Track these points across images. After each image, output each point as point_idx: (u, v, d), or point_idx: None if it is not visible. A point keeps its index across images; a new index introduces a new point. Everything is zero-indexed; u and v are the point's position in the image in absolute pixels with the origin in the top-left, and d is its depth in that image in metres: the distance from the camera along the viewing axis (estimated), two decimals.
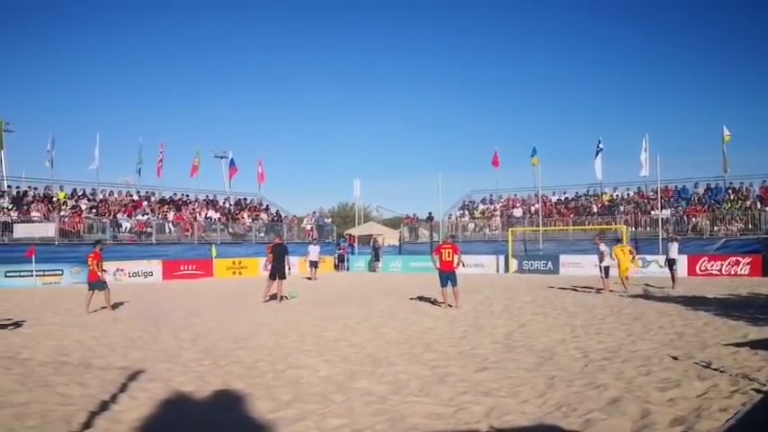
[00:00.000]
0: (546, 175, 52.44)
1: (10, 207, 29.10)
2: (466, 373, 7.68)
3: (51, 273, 25.83)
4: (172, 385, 7.26)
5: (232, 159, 40.61)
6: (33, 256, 24.41)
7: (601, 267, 19.11)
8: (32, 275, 24.83)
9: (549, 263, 31.01)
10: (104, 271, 16.82)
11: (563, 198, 38.69)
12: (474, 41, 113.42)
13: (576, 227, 33.89)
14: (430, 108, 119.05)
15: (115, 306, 16.22)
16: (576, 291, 19.90)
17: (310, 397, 6.62)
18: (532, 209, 37.48)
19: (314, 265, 29.61)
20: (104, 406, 6.32)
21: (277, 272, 17.78)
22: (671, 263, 20.88)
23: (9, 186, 31.85)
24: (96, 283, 15.91)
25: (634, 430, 5.31)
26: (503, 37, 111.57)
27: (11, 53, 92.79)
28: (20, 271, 24.84)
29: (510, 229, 33.89)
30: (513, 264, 32.08)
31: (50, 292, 22.11)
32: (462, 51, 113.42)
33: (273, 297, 17.55)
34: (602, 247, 19.19)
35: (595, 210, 35.45)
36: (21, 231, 27.59)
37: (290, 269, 18.55)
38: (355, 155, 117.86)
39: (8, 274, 24.58)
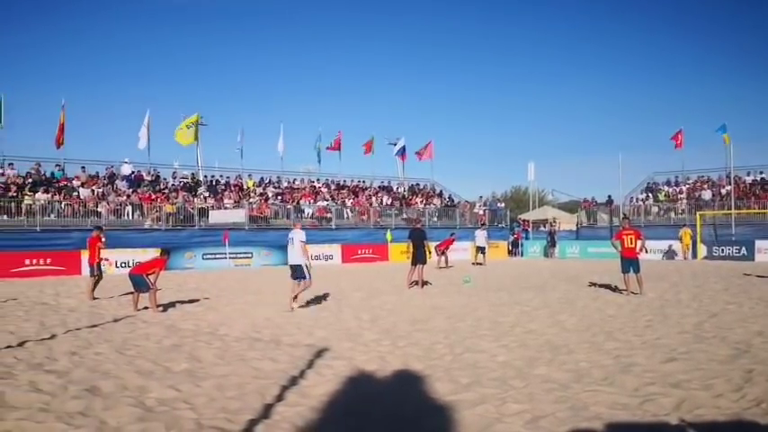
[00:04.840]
0: (739, 153, 48.20)
1: (206, 195, 31.80)
2: (652, 364, 7.28)
3: (243, 255, 27.90)
4: (354, 363, 7.54)
5: (403, 146, 41.31)
6: (227, 241, 26.49)
7: None
8: (226, 258, 26.93)
9: (743, 248, 28.68)
10: (102, 259, 15.55)
11: (759, 179, 35.57)
12: (658, 13, 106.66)
13: None
14: (608, 86, 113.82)
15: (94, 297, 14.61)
16: None
17: (489, 381, 6.60)
18: (723, 191, 34.87)
19: (481, 250, 29.30)
20: (294, 381, 6.70)
21: (417, 257, 17.17)
22: None
23: (205, 176, 34.85)
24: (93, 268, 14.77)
25: None
26: (686, 8, 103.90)
27: (205, 54, 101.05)
28: (215, 253, 27.06)
29: (698, 213, 31.81)
30: (702, 249, 30.04)
31: (242, 273, 23.90)
32: (644, 24, 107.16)
33: (416, 283, 17.05)
34: None
35: None
36: (215, 217, 30.09)
37: (430, 253, 18.11)
38: (530, 137, 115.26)
39: (205, 257, 26.85)
